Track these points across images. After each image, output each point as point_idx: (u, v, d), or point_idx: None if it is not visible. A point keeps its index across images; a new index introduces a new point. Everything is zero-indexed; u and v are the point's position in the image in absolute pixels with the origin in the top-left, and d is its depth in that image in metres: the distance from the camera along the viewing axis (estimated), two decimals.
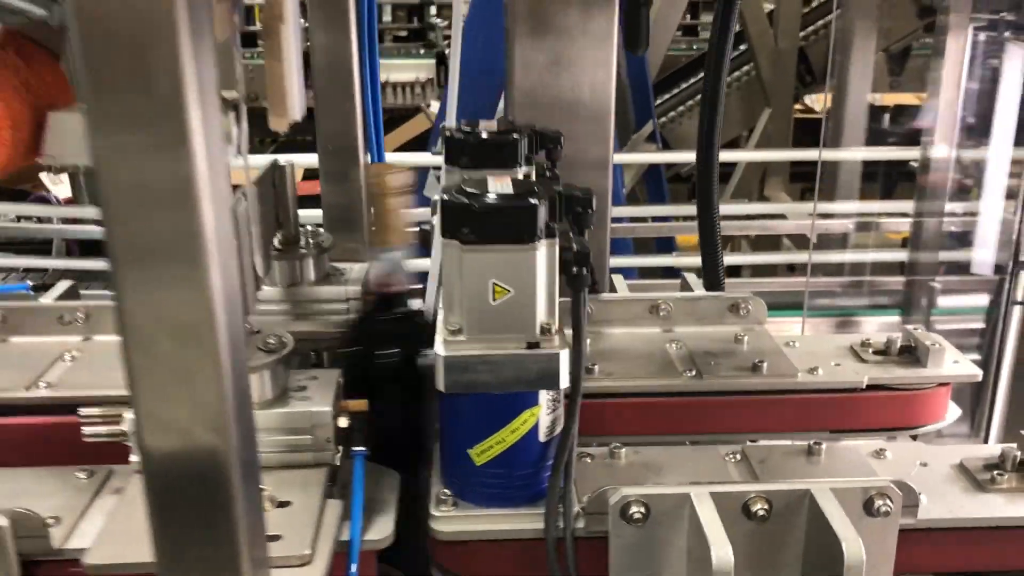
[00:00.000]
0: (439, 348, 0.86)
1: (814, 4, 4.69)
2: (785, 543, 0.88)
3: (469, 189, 0.88)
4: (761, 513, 0.86)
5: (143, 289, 0.60)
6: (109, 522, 0.85)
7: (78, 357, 1.27)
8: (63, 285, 1.40)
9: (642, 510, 0.86)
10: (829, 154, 2.74)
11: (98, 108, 0.57)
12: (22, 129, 0.92)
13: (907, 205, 2.29)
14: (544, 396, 0.90)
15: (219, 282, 0.61)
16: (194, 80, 0.57)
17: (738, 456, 1.02)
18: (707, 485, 0.88)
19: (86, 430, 0.92)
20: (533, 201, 0.84)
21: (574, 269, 0.87)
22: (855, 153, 2.59)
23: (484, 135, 1.14)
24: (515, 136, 1.13)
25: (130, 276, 0.60)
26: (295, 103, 0.96)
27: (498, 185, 0.88)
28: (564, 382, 0.87)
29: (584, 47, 1.58)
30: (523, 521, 0.91)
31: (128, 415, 0.91)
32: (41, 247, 2.85)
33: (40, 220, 2.76)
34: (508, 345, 0.86)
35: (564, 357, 0.87)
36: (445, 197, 0.86)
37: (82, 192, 2.85)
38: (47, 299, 1.36)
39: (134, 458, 0.90)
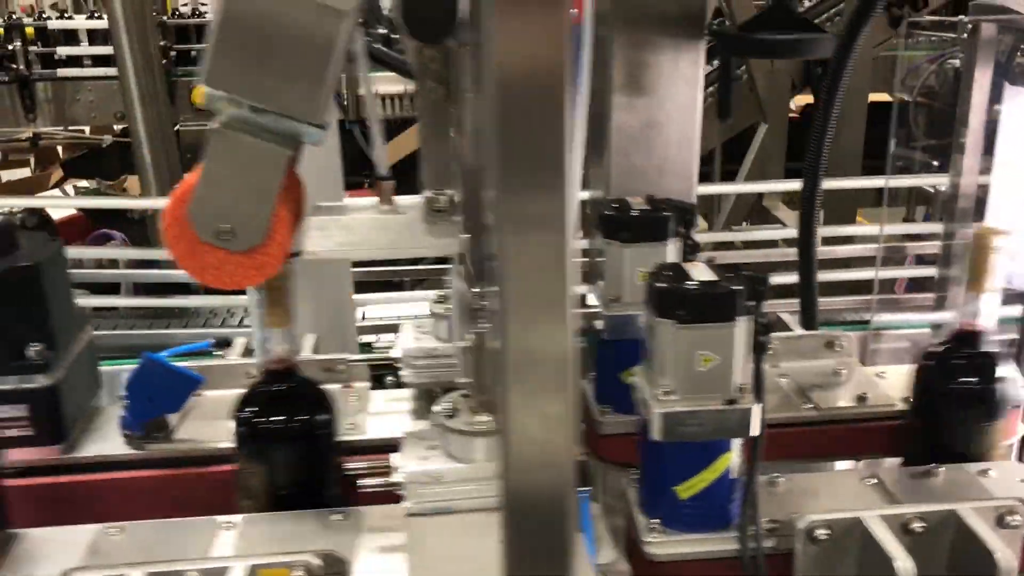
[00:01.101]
0: (655, 407, 1.07)
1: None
2: (934, 554, 1.09)
3: (671, 274, 1.09)
4: (919, 530, 1.07)
5: (525, 335, 0.77)
6: (415, 558, 1.04)
7: None
8: (241, 343, 1.58)
9: (827, 531, 1.07)
10: (865, 181, 2.96)
11: (508, 184, 0.73)
12: (291, 233, 1.10)
13: (930, 226, 2.52)
14: (735, 441, 1.11)
15: (574, 333, 0.79)
16: (569, 157, 0.74)
17: (874, 480, 1.23)
18: (875, 509, 1.09)
19: (361, 482, 1.11)
20: (736, 287, 1.04)
21: (760, 338, 1.08)
22: (901, 180, 2.81)
23: (637, 212, 1.35)
24: (666, 213, 1.33)
25: (515, 324, 0.77)
26: None
27: (697, 271, 1.08)
28: (756, 430, 1.08)
29: (672, 111, 1.79)
30: (721, 543, 1.11)
31: (396, 464, 1.10)
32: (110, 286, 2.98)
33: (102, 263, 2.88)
34: (711, 402, 1.07)
35: (757, 411, 1.07)
36: (659, 284, 1.07)
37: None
38: (233, 357, 1.54)
39: (407, 504, 1.08)
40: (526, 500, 0.83)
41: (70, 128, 6.54)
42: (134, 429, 1.35)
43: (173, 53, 5.25)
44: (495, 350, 0.80)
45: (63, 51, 5.53)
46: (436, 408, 1.13)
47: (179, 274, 2.89)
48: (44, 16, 5.58)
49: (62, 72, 5.61)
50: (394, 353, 1.39)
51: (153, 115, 2.90)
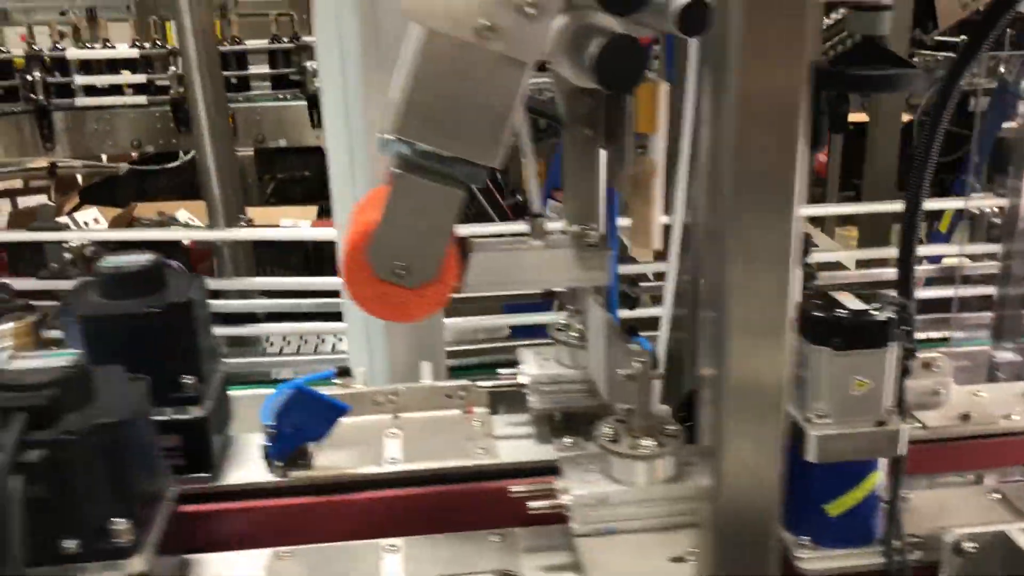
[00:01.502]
0: (811, 430, 1.13)
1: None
2: None
3: (823, 303, 1.15)
4: None
5: (745, 362, 0.83)
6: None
7: (398, 434, 1.50)
8: (362, 372, 1.64)
9: (975, 545, 1.13)
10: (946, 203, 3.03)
11: (739, 214, 0.79)
12: (459, 269, 1.16)
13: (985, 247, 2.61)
14: (882, 460, 1.17)
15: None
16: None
17: (998, 495, 1.30)
18: (1012, 522, 1.16)
19: (531, 504, 1.16)
20: (889, 316, 1.11)
21: (905, 361, 1.15)
22: (954, 203, 2.88)
23: None
24: None
25: (736, 351, 0.83)
26: (656, 237, 1.22)
27: (847, 300, 1.15)
28: (903, 450, 1.14)
29: None
30: (868, 557, 1.18)
31: (561, 488, 1.16)
32: None
33: None
34: (863, 425, 1.13)
35: (904, 431, 1.14)
36: (814, 313, 1.13)
37: (227, 266, 3.01)
38: (359, 385, 1.60)
39: (575, 525, 1.14)
40: (735, 522, 0.89)
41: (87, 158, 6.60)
42: (278, 458, 1.40)
43: None
44: (709, 376, 0.86)
45: (81, 80, 5.57)
46: (597, 432, 1.19)
47: (241, 304, 2.95)
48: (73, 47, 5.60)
49: (80, 102, 5.64)
50: (521, 379, 1.45)
51: (221, 146, 2.96)
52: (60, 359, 1.04)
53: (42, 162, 7.07)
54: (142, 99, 5.51)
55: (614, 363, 1.21)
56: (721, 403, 0.85)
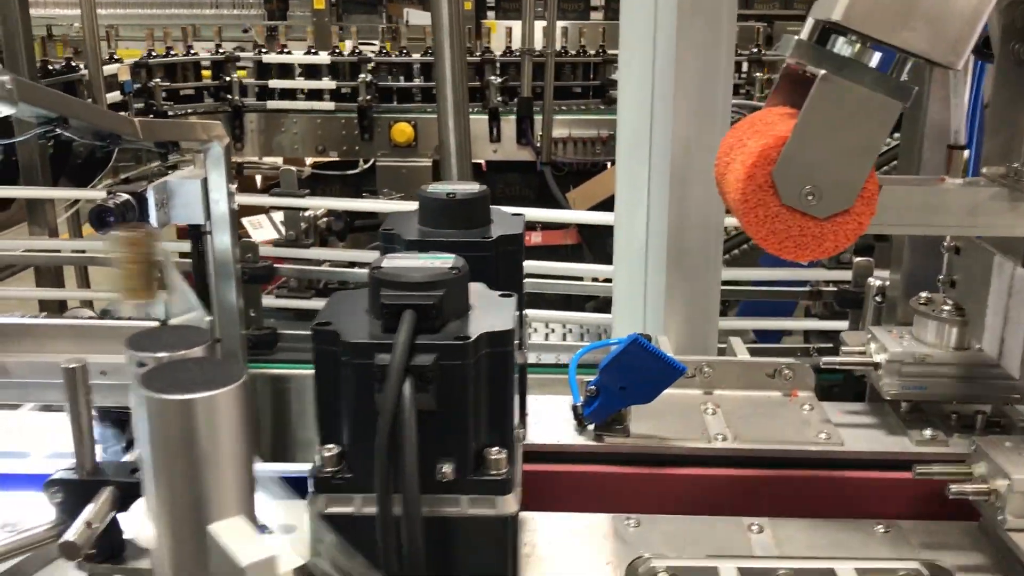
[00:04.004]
0: None
1: None
2: None
3: None
4: None
5: None
6: None
7: (717, 411, 1.32)
8: (665, 339, 1.48)
9: None
10: None
11: None
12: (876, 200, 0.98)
13: None
14: None
15: None
16: None
17: None
18: None
19: (953, 488, 0.96)
20: None
21: None
22: None
23: None
24: None
25: None
26: None
27: None
28: None
29: None
30: None
31: (984, 473, 0.96)
32: None
33: None
34: None
35: None
36: None
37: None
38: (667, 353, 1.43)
39: (1009, 518, 0.93)
40: None
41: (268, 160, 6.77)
42: (594, 419, 1.25)
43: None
44: None
45: (275, 84, 5.71)
46: None
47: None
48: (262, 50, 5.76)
49: (272, 105, 5.79)
50: (878, 358, 1.25)
51: (463, 150, 2.86)
52: (438, 261, 0.92)
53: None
54: (330, 105, 5.63)
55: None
56: None
